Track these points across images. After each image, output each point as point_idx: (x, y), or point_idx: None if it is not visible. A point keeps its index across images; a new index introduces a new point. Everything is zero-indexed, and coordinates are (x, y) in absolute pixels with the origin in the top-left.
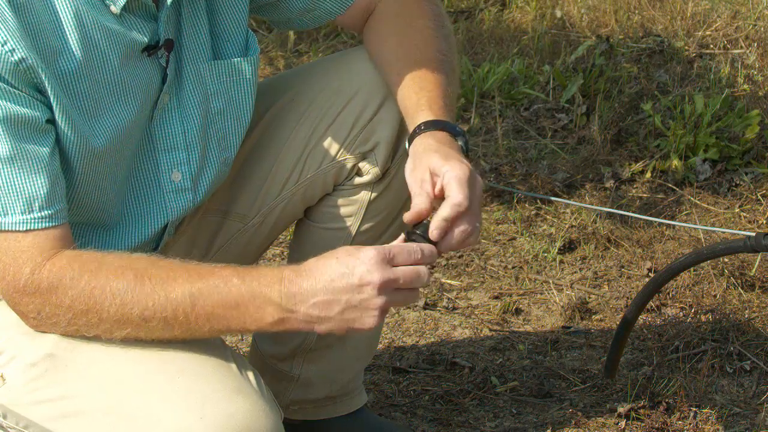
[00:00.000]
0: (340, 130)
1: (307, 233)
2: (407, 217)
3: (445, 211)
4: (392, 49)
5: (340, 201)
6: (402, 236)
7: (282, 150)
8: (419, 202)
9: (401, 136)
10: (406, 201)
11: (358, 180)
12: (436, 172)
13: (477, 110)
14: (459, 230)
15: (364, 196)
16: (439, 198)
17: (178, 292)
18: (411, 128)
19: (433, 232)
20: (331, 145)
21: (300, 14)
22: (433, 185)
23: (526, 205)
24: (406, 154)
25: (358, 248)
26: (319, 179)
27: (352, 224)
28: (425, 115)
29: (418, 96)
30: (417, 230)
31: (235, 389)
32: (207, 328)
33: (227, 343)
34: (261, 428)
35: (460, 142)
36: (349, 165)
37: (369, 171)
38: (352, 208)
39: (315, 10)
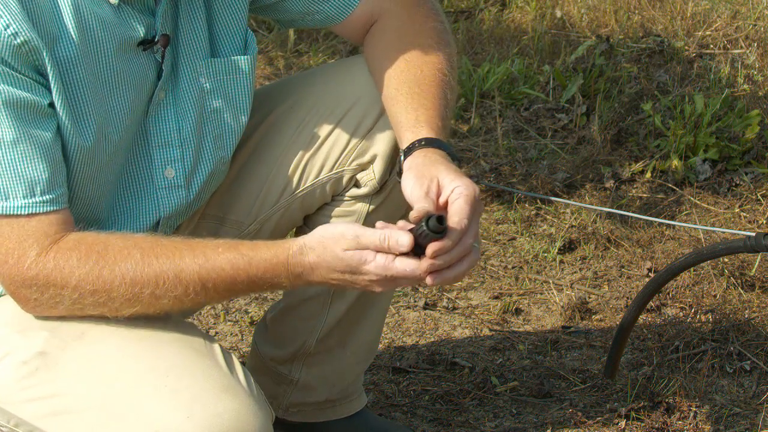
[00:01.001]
0: (339, 141)
1: None
2: (413, 216)
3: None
4: (391, 65)
5: (338, 211)
6: (408, 235)
7: (280, 158)
8: (426, 207)
9: (399, 149)
10: (404, 213)
11: (356, 192)
12: (445, 185)
13: (477, 110)
14: (457, 252)
15: (362, 208)
16: (439, 209)
17: (187, 272)
18: (407, 142)
19: (453, 218)
20: (330, 155)
21: (301, 16)
22: (438, 195)
23: (526, 205)
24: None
25: (362, 260)
26: (316, 189)
27: None
28: (425, 132)
29: (417, 113)
30: (428, 224)
31: (224, 388)
32: (217, 300)
33: (226, 340)
34: (249, 428)
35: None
36: (347, 176)
37: (367, 183)
38: (349, 219)
39: (315, 13)
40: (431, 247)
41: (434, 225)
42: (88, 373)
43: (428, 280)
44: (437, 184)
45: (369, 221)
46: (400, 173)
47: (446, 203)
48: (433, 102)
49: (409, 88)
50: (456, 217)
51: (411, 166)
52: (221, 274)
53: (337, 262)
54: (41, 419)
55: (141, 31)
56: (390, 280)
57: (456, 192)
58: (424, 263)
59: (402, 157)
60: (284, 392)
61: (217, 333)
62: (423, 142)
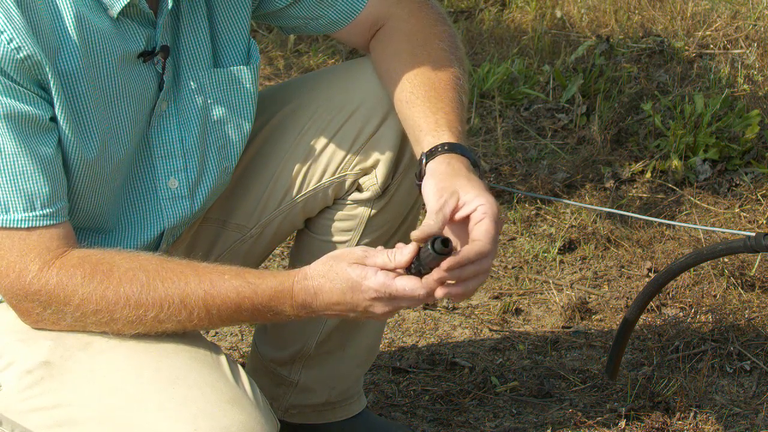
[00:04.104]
0: (341, 145)
1: (307, 243)
2: (415, 235)
3: (470, 252)
4: (404, 69)
5: (340, 215)
6: (413, 246)
7: (282, 162)
8: (432, 226)
9: (402, 154)
10: (405, 217)
11: (357, 196)
12: (468, 201)
13: (477, 110)
14: (473, 270)
15: (364, 212)
16: (455, 223)
17: (192, 298)
18: (428, 145)
19: (445, 265)
20: (332, 160)
21: (304, 22)
22: (454, 210)
23: (526, 205)
24: (406, 172)
25: (363, 276)
26: (319, 193)
27: (352, 238)
28: (447, 137)
29: (436, 116)
30: (438, 245)
31: (230, 400)
32: (220, 326)
33: (226, 340)
34: None
35: (476, 175)
36: (349, 180)
37: (369, 188)
38: (351, 223)
39: (319, 18)
40: (447, 262)
41: (440, 248)
42: (93, 384)
43: (438, 291)
44: (457, 199)
45: (370, 225)
46: (420, 176)
47: (465, 218)
48: (451, 106)
49: (426, 92)
50: (483, 238)
51: (434, 171)
52: (226, 301)
53: (339, 280)
54: (45, 429)
55: (141, 43)
56: (390, 300)
57: (480, 211)
58: (435, 274)
59: (424, 160)
60: (284, 394)
61: (217, 333)
62: (446, 147)
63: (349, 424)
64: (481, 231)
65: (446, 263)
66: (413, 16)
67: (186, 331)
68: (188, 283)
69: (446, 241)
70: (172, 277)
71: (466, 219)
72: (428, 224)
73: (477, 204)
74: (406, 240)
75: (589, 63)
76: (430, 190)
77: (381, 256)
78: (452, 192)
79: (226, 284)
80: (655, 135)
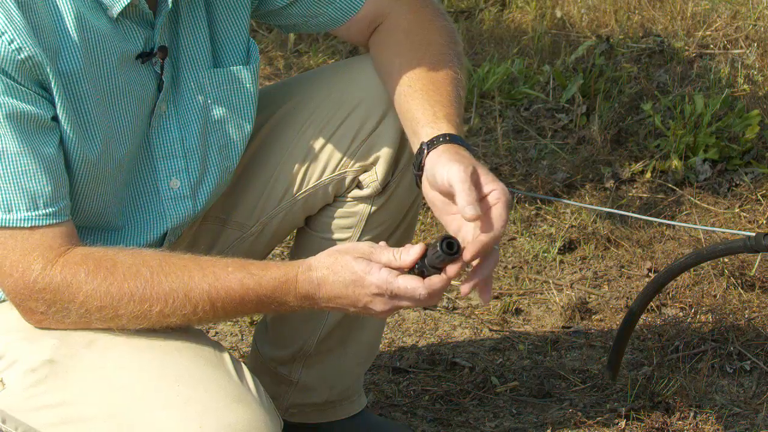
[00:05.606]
0: (341, 142)
1: (307, 241)
2: (469, 215)
3: (486, 237)
4: (403, 63)
5: (340, 212)
6: (420, 246)
7: (282, 159)
8: (475, 211)
9: (402, 151)
10: (406, 214)
11: (358, 193)
12: (482, 184)
13: (477, 110)
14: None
15: (364, 209)
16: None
17: (196, 291)
18: (427, 137)
19: (469, 255)
20: (332, 157)
21: (303, 20)
22: (478, 180)
23: (526, 205)
24: (406, 169)
25: (366, 271)
26: (319, 190)
27: (352, 236)
28: (446, 128)
29: (434, 109)
30: (444, 247)
31: (236, 398)
32: (225, 319)
33: (226, 340)
34: None
35: None
36: (349, 177)
37: (369, 185)
38: (351, 220)
39: (318, 16)
40: (451, 269)
41: (445, 249)
42: (98, 382)
43: (464, 288)
44: (478, 174)
45: (371, 222)
46: (420, 167)
47: (482, 198)
48: (449, 99)
49: (424, 86)
50: (496, 223)
51: (444, 152)
52: (230, 293)
53: (344, 271)
54: (50, 427)
55: (139, 44)
56: (391, 297)
57: (494, 196)
58: (435, 279)
59: (425, 150)
60: (284, 393)
61: (217, 333)
62: (447, 138)
63: (350, 424)
64: (494, 215)
65: (468, 253)
66: (412, 12)
67: (191, 325)
68: (192, 276)
69: (451, 245)
70: (176, 272)
71: (482, 199)
72: (472, 210)
73: (491, 189)
74: (407, 237)
75: (589, 63)
76: (449, 163)
77: (387, 253)
78: (473, 166)
79: (230, 276)
80: (655, 135)
